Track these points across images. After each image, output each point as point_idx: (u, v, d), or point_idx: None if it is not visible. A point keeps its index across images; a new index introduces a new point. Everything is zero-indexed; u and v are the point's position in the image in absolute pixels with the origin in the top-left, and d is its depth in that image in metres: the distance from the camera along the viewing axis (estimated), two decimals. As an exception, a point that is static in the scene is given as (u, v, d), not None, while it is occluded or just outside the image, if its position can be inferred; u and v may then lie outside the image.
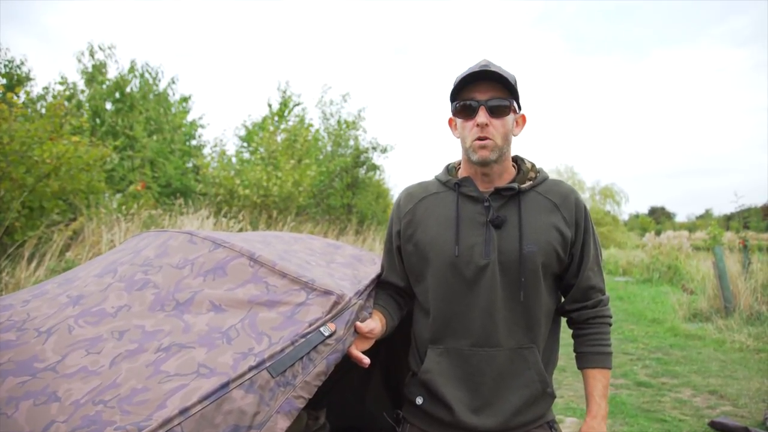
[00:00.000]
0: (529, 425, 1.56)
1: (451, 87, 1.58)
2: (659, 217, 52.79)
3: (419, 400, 1.60)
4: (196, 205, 9.81)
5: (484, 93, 1.50)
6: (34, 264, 5.89)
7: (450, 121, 1.65)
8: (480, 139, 1.50)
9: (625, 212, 41.03)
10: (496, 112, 1.50)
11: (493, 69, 1.48)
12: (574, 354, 1.67)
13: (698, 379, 5.31)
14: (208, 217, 8.73)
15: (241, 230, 9.04)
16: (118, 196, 9.73)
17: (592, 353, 1.61)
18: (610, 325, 1.65)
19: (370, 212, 16.25)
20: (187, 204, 9.89)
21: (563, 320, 1.72)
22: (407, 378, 1.71)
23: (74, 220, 7.15)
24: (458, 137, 1.62)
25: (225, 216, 9.62)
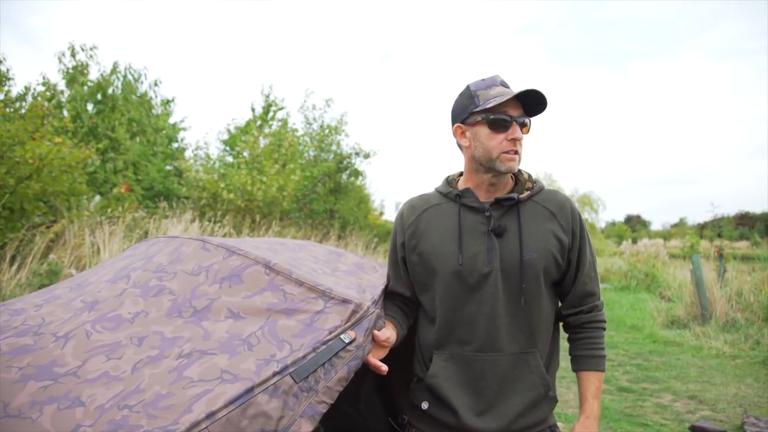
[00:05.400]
0: (532, 428, 1.61)
1: (472, 97, 1.62)
2: (635, 225, 53.74)
3: (425, 405, 1.65)
4: (180, 209, 9.72)
5: (514, 110, 1.58)
6: (15, 266, 5.80)
7: (456, 129, 1.68)
8: (510, 152, 1.58)
9: (602, 220, 41.67)
10: (523, 128, 1.60)
11: (537, 90, 1.55)
12: (566, 358, 1.74)
13: (678, 384, 5.44)
14: (192, 221, 8.65)
15: (225, 235, 8.97)
16: (98, 198, 9.59)
17: (586, 356, 1.68)
18: (604, 329, 1.73)
19: (352, 218, 16.27)
20: (171, 207, 9.79)
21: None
22: (412, 383, 1.75)
23: (55, 222, 7.05)
24: (467, 145, 1.66)
25: (209, 220, 9.55)
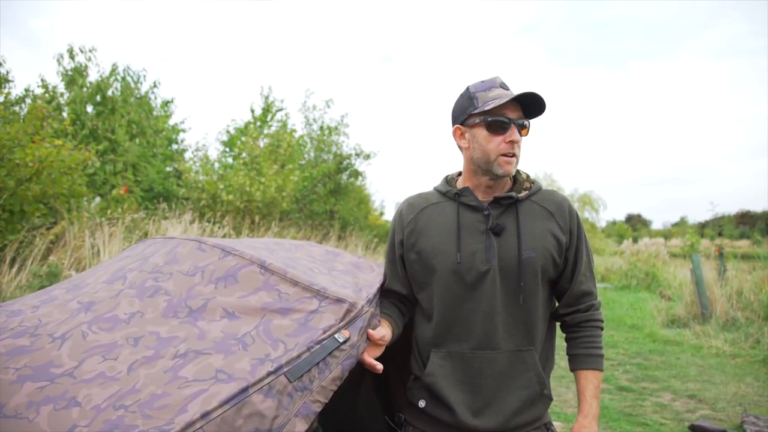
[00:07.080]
0: (528, 426, 1.62)
1: (471, 99, 1.62)
2: (636, 224, 53.70)
3: (422, 403, 1.66)
4: (179, 210, 9.73)
5: (513, 112, 1.59)
6: (15, 268, 5.81)
7: (456, 131, 1.69)
8: (508, 155, 1.59)
9: (602, 219, 41.61)
10: (521, 131, 1.60)
11: (536, 92, 1.55)
12: (565, 357, 1.74)
13: (677, 383, 5.44)
14: (192, 222, 8.66)
15: (225, 236, 8.99)
16: (98, 200, 9.60)
17: (584, 355, 1.68)
18: (602, 329, 1.73)
19: (352, 218, 16.28)
20: (171, 208, 9.79)
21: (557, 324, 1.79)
22: (409, 381, 1.76)
23: (55, 224, 7.06)
24: (465, 146, 1.67)
25: (209, 221, 9.56)
